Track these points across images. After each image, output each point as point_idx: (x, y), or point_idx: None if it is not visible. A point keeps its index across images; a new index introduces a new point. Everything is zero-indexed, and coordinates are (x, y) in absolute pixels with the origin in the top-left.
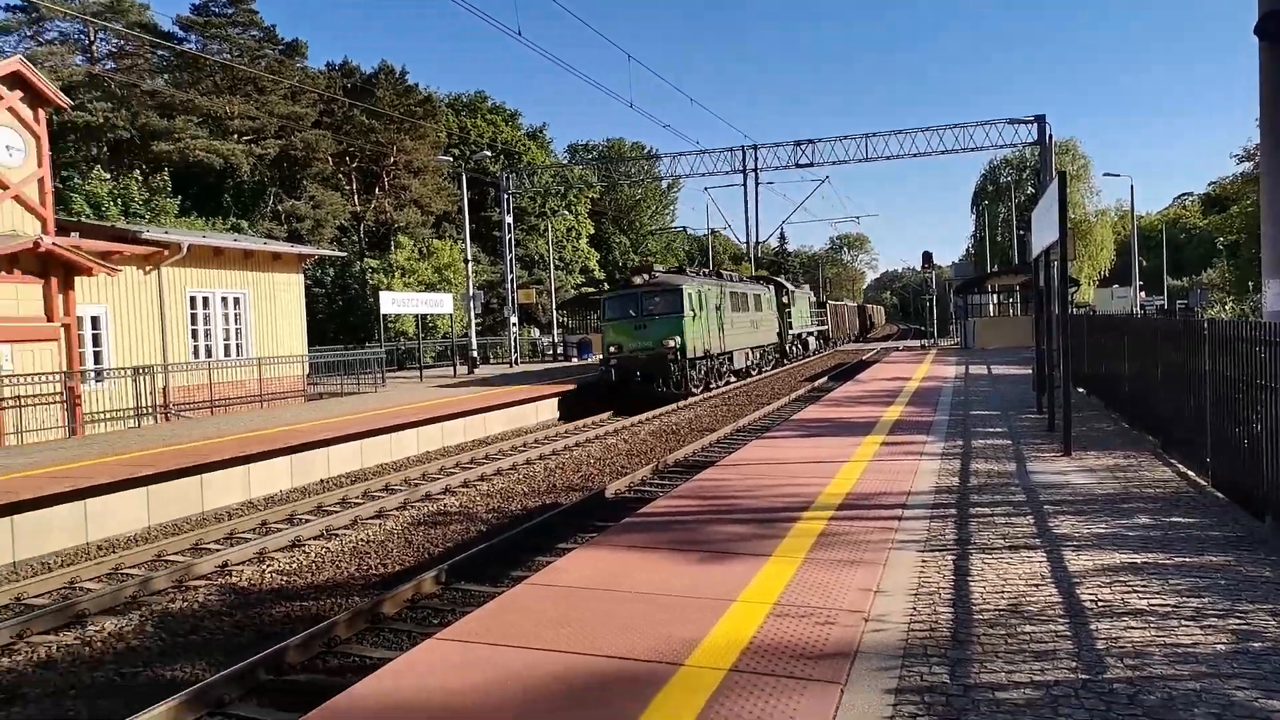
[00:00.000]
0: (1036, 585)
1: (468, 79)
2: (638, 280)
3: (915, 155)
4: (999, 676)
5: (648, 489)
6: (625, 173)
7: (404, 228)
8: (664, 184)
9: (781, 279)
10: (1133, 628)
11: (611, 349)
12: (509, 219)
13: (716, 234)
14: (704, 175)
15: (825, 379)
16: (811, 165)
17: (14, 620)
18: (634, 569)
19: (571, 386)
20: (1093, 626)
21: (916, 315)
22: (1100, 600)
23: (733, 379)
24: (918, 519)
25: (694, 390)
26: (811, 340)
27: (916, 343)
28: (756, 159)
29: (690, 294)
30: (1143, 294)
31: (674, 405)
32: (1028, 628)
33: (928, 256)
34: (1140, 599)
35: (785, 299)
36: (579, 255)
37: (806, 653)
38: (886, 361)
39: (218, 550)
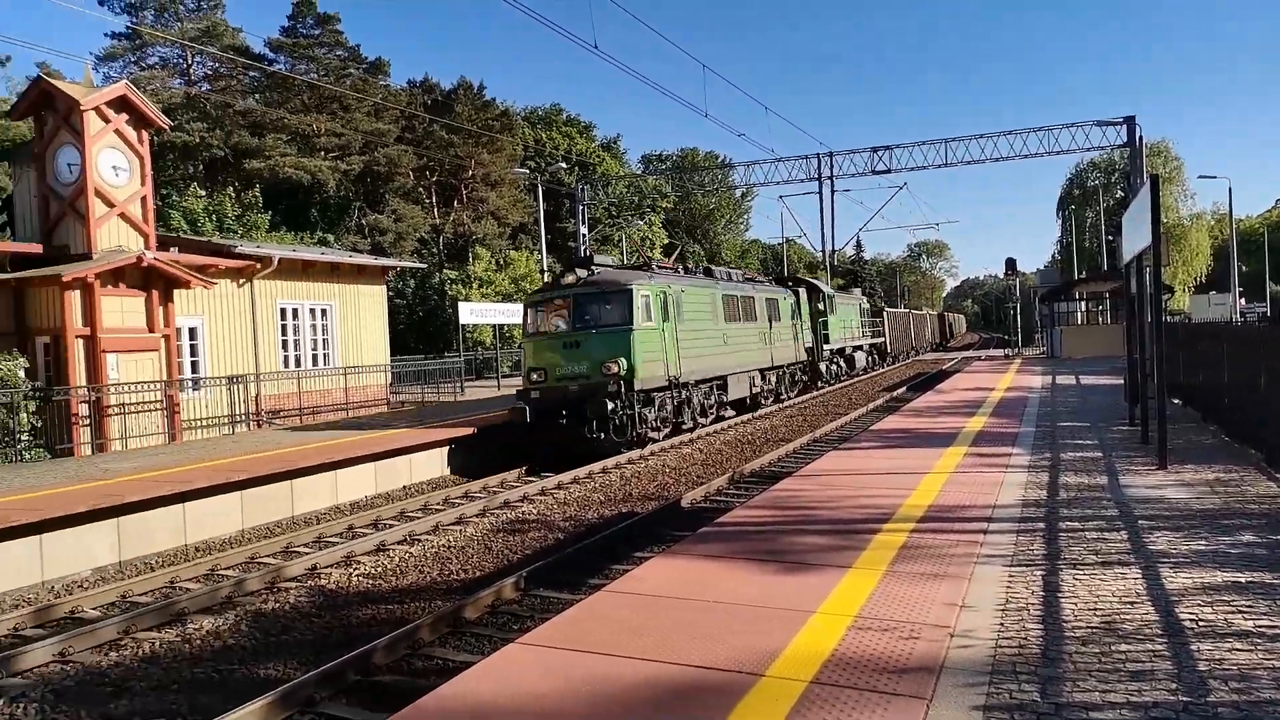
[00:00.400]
0: (1132, 603)
1: (544, 92)
2: (569, 279)
3: (997, 160)
4: (1093, 696)
5: (723, 499)
6: (699, 182)
7: (482, 240)
8: (738, 193)
9: (818, 280)
10: (1238, 649)
11: (533, 376)
12: (584, 230)
13: (791, 242)
14: (779, 184)
15: (904, 389)
16: (889, 172)
17: (121, 617)
18: (712, 579)
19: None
20: (1194, 647)
21: (999, 323)
22: (1201, 620)
23: (729, 413)
24: (1004, 533)
25: (653, 435)
26: (860, 356)
27: (999, 352)
28: (832, 166)
29: (646, 296)
30: (1242, 300)
31: (611, 461)
32: (1123, 647)
33: (1011, 263)
34: (1245, 619)
35: (821, 305)
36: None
37: (890, 667)
38: (968, 371)
39: (307, 553)
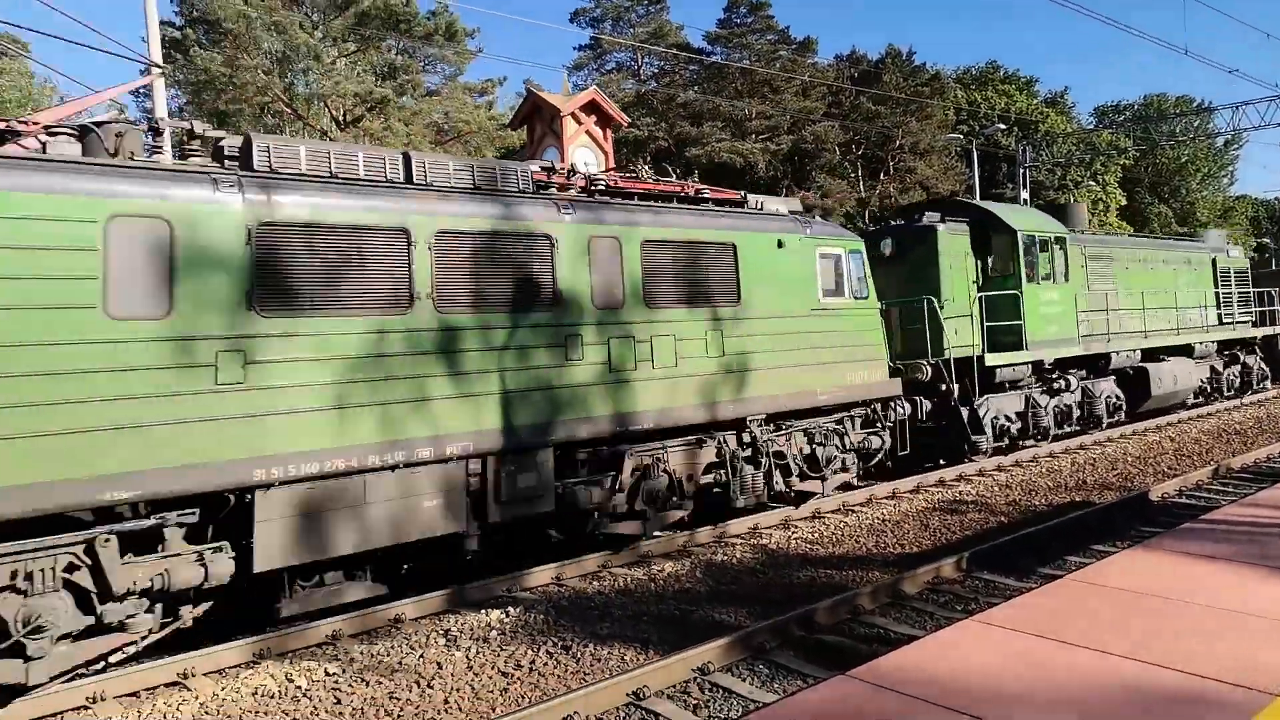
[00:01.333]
0: None
1: (978, 49)
2: None
3: None
4: None
5: (1205, 495)
6: (1167, 132)
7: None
8: (1220, 141)
9: (995, 207)
10: None
11: None
12: (1024, 195)
13: None
14: None
15: None
16: None
17: (599, 554)
18: (1198, 580)
19: None
20: None
21: None
22: None
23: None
24: None
25: None
26: (1181, 371)
27: None
28: None
29: None
30: None
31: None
32: None
33: None
34: None
35: (1000, 258)
36: (1108, 231)
37: None
38: None
39: (749, 515)
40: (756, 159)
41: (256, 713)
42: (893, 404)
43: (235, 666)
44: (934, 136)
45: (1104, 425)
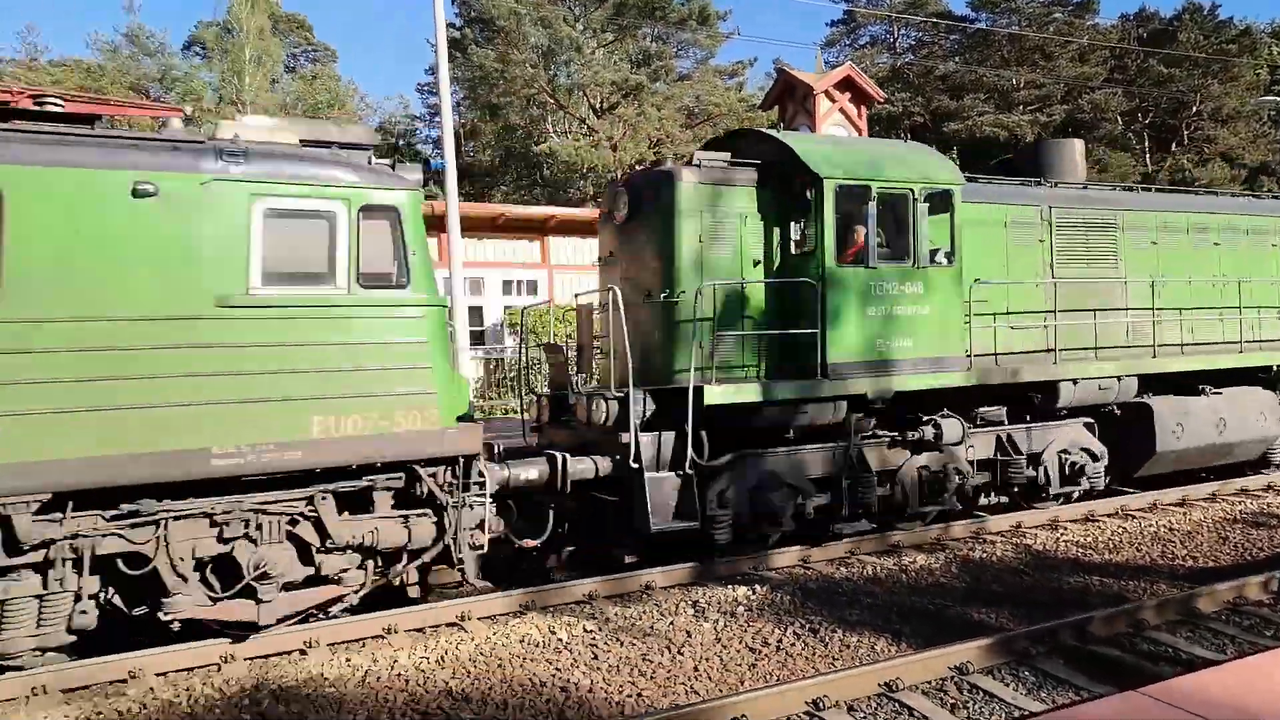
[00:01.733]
0: None
1: None
2: None
3: None
4: None
5: None
6: None
7: (1206, 185)
8: None
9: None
10: None
11: None
12: None
13: None
14: None
15: None
16: None
17: (847, 540)
18: None
19: None
20: None
21: None
22: None
23: None
24: None
25: None
26: None
27: None
28: None
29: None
30: None
31: None
32: None
33: None
34: None
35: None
36: None
37: None
38: None
39: (1012, 512)
40: (1024, 131)
41: (524, 658)
42: (472, 467)
43: (505, 615)
44: (1242, 100)
45: (1054, 497)
